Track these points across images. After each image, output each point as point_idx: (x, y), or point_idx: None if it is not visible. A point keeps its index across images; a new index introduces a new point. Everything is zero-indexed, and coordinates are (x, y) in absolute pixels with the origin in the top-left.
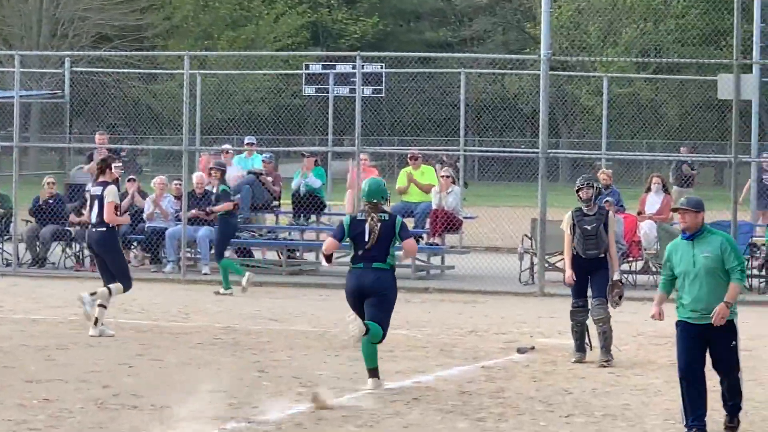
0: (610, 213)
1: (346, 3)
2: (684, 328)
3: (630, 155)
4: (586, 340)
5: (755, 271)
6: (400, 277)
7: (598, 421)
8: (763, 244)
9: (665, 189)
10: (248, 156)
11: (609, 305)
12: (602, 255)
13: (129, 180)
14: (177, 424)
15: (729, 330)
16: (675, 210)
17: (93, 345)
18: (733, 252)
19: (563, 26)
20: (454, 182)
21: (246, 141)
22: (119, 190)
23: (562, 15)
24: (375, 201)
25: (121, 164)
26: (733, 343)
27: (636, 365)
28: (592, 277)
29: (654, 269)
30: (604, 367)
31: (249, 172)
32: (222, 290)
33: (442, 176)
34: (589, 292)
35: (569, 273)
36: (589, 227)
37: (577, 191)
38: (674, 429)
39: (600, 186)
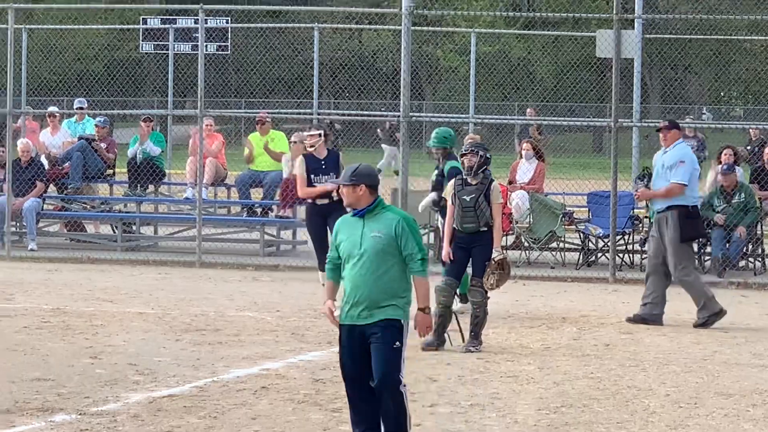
0: (494, 183)
1: None
2: None
3: (500, 119)
4: (448, 329)
5: (637, 246)
6: (247, 253)
7: (465, 411)
8: (646, 217)
9: (539, 156)
10: (79, 120)
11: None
12: (484, 229)
13: None
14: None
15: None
16: None
17: None
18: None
19: None
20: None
21: (76, 104)
22: None
23: None
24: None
25: None
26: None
27: (506, 350)
28: (472, 255)
29: (526, 244)
30: (471, 352)
31: (80, 138)
32: None
33: (295, 143)
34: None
35: (446, 249)
36: (468, 197)
37: (461, 156)
38: (548, 419)
39: (488, 155)
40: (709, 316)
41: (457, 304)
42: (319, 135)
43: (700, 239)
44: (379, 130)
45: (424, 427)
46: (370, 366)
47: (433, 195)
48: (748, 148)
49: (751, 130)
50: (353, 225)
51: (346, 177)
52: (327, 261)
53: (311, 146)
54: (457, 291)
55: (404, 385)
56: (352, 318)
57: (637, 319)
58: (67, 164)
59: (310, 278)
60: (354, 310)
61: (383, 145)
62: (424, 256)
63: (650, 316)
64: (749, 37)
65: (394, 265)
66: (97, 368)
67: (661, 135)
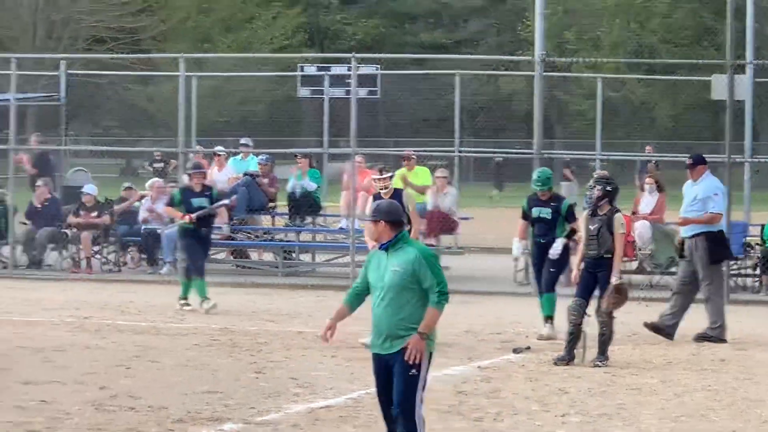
0: (617, 215)
1: (342, 4)
2: None
3: (624, 156)
4: (578, 347)
5: (749, 271)
6: None
7: (593, 421)
8: (758, 244)
9: (659, 188)
10: (244, 158)
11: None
12: (606, 256)
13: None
14: (174, 425)
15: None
16: None
17: (90, 347)
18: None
19: (552, 27)
20: (449, 183)
21: (241, 143)
22: None
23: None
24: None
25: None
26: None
27: (631, 365)
28: (598, 279)
29: (648, 269)
30: (598, 367)
31: (245, 174)
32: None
33: (438, 177)
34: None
35: (576, 272)
36: (592, 227)
37: (589, 190)
38: (669, 428)
39: (611, 188)
40: (713, 337)
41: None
42: (391, 176)
43: (728, 260)
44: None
45: None
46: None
47: (562, 240)
48: None
49: None
50: (380, 258)
51: (370, 213)
52: (352, 287)
53: (384, 188)
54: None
55: (420, 413)
56: (377, 348)
57: (655, 328)
58: (233, 197)
59: (453, 300)
60: (378, 340)
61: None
62: (443, 289)
63: (666, 327)
64: None
65: (413, 298)
66: (260, 382)
67: (688, 171)
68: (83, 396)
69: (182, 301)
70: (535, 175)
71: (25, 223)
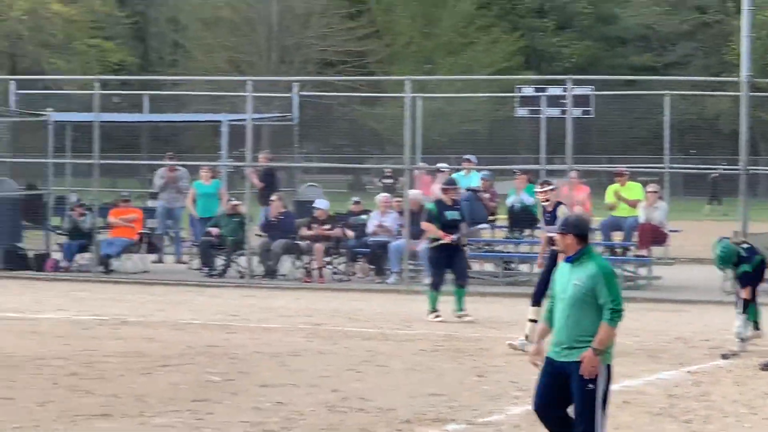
0: None
1: (558, 29)
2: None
3: None
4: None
5: None
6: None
7: None
8: None
9: None
10: (467, 174)
11: None
12: None
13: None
14: (401, 425)
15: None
16: None
17: (323, 352)
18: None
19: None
20: (660, 198)
21: (465, 158)
22: None
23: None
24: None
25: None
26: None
27: None
28: None
29: None
30: None
31: (467, 189)
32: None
33: (649, 192)
34: None
35: None
36: None
37: None
38: None
39: None
40: None
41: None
42: (552, 189)
43: None
44: None
45: None
46: (557, 398)
47: None
48: None
49: None
50: (565, 270)
51: (558, 226)
52: (548, 303)
53: (545, 200)
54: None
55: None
56: (553, 352)
57: None
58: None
59: (664, 308)
60: (556, 347)
61: None
62: (616, 307)
63: None
64: None
65: (592, 312)
66: (483, 385)
67: None
68: (316, 398)
69: (433, 314)
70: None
71: (260, 235)
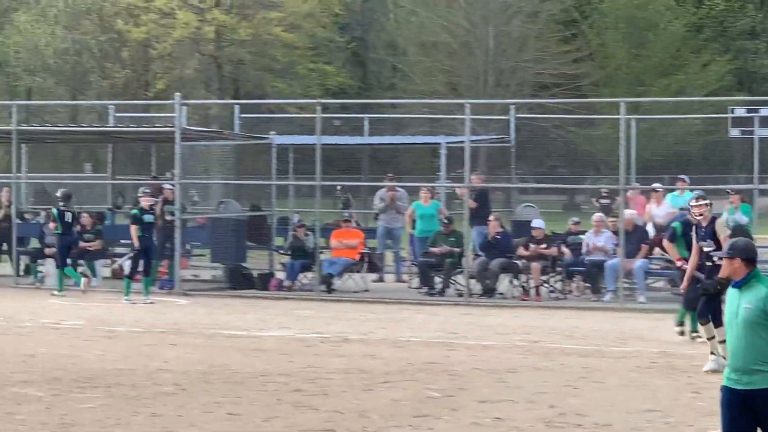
0: None
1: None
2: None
3: None
4: None
5: None
6: None
7: None
8: None
9: None
10: (680, 194)
11: None
12: None
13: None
14: None
15: None
16: None
17: (540, 369)
18: None
19: None
20: None
21: (678, 178)
22: None
23: None
24: None
25: None
26: None
27: None
28: None
29: None
30: None
31: (681, 209)
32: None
33: None
34: None
35: None
36: None
37: None
38: None
39: None
40: None
41: None
42: (707, 204)
43: None
44: None
45: None
46: (745, 427)
47: None
48: None
49: None
50: (733, 295)
51: (725, 250)
52: None
53: (700, 215)
54: None
55: None
56: (730, 382)
57: None
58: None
59: None
60: (732, 375)
61: None
62: None
63: None
64: None
65: (766, 334)
66: (698, 401)
67: None
68: (534, 413)
69: (678, 328)
70: None
71: (478, 255)
